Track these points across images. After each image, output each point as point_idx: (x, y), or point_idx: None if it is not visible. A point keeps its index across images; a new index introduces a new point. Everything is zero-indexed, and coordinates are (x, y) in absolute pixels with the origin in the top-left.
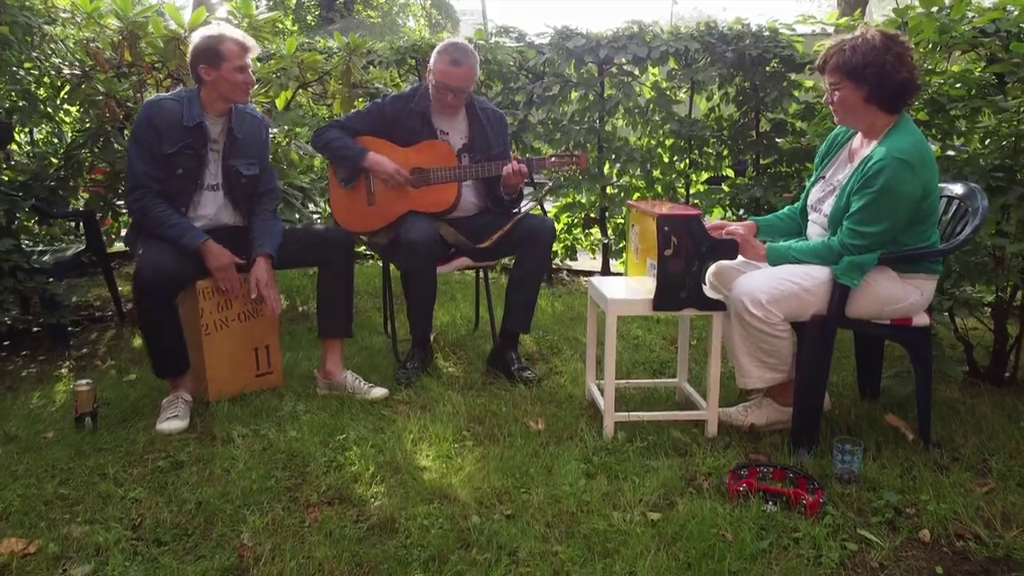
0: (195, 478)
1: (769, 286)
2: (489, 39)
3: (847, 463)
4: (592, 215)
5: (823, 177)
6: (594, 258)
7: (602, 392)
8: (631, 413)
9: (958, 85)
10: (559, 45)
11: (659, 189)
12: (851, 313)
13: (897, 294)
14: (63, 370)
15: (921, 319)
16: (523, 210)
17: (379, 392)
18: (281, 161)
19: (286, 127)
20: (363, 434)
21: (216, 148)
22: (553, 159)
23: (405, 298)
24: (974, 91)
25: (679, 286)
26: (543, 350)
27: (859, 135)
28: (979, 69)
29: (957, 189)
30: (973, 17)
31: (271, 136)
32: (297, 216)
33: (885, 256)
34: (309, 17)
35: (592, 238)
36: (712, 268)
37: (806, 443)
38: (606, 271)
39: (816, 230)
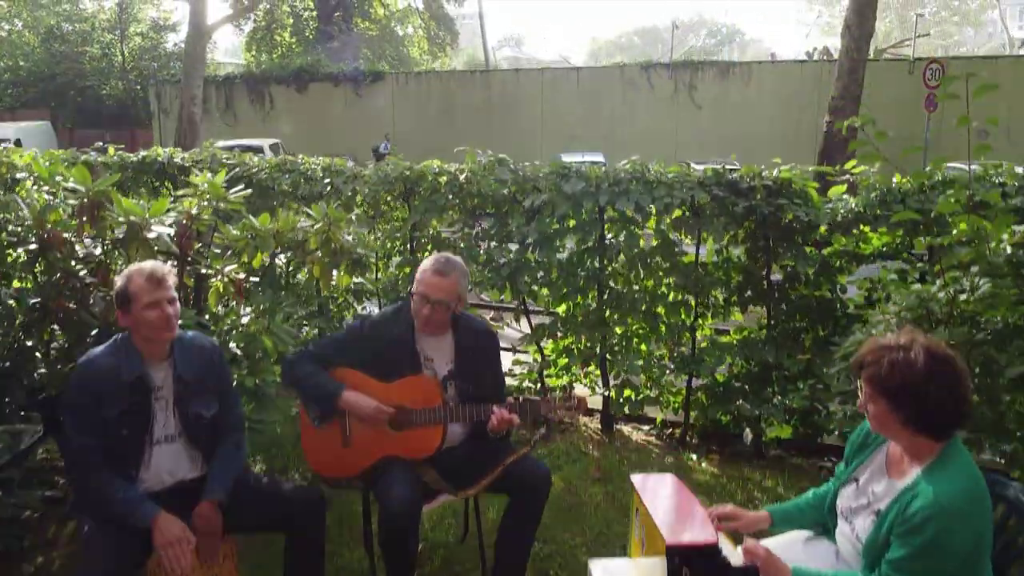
0: None
1: None
2: (481, 166)
3: None
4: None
5: (856, 480)
6: (593, 394)
7: None
8: None
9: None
10: (556, 186)
11: (663, 330)
12: None
13: None
14: None
15: None
16: (514, 455)
17: None
18: (254, 352)
19: (262, 306)
20: None
21: (162, 396)
22: (549, 404)
23: (382, 553)
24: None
25: None
26: None
27: None
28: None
29: (1010, 494)
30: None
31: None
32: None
33: None
34: (307, 31)
35: (591, 376)
36: None
37: None
38: (606, 419)
39: (846, 546)
